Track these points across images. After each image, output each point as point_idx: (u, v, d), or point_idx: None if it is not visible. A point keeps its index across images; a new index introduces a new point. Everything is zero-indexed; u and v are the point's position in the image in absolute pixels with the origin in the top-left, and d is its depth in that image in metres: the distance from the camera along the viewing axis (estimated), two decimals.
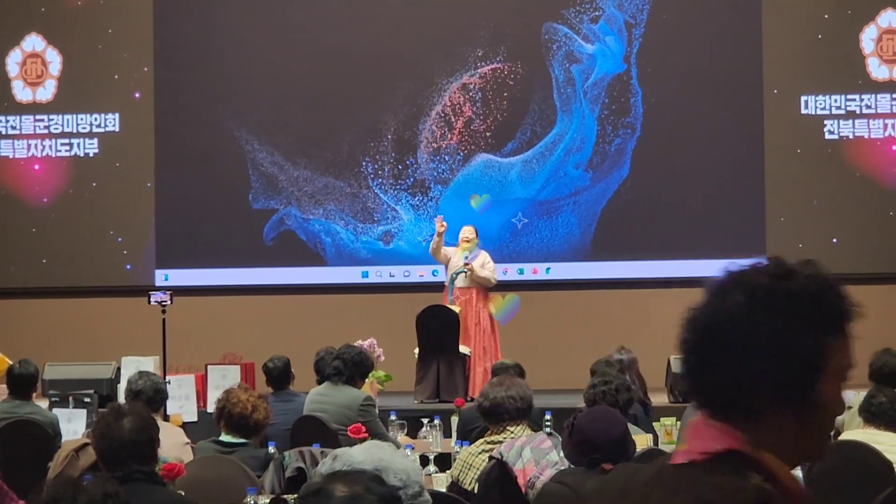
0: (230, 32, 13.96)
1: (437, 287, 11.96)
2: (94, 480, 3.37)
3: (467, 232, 11.74)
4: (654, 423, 8.17)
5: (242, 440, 5.95)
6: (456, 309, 11.37)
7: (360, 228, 13.82)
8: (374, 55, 13.74)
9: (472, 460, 5.48)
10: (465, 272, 11.51)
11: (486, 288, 11.69)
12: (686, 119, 13.56)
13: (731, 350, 1.61)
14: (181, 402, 9.95)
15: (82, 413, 8.54)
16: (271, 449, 5.96)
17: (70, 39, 14.10)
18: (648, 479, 1.66)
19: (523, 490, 4.94)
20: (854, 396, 6.47)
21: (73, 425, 8.21)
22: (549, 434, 5.20)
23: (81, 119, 14.07)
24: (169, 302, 10.37)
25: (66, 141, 14.09)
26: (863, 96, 13.50)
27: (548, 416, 5.79)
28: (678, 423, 8.71)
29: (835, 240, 13.28)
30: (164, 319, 10.55)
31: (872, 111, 13.51)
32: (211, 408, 7.95)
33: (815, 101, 13.50)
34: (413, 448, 6.52)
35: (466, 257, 11.56)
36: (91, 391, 9.24)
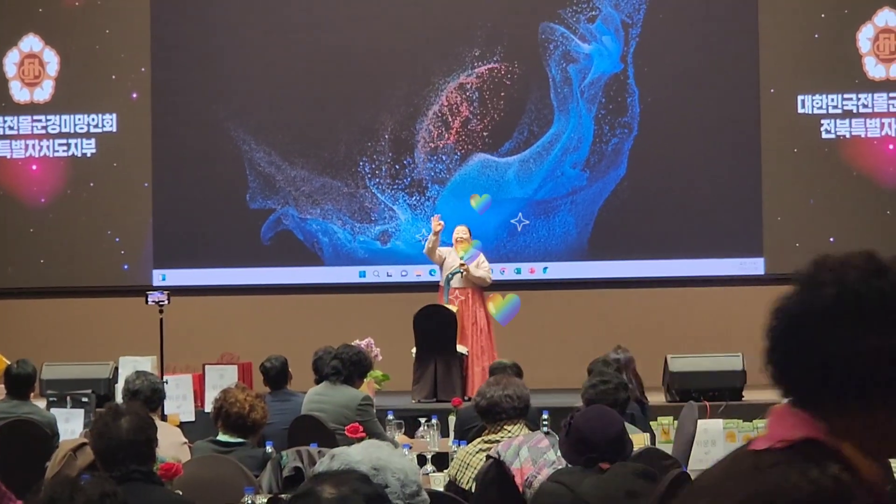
0: (227, 33, 13.96)
1: (435, 287, 11.96)
2: (92, 480, 3.38)
3: (461, 232, 11.74)
4: (651, 423, 8.19)
5: (240, 440, 5.95)
6: (453, 308, 11.38)
7: (357, 228, 13.82)
8: (372, 55, 13.75)
9: (469, 459, 5.48)
10: (461, 272, 11.52)
11: (482, 287, 11.70)
12: (683, 118, 13.57)
13: (820, 343, 1.63)
14: (178, 402, 9.96)
15: (80, 413, 8.55)
16: (269, 448, 5.96)
17: (67, 40, 14.10)
18: (726, 464, 1.67)
19: (521, 489, 4.95)
20: None
21: (70, 425, 8.22)
22: (547, 433, 5.20)
23: (79, 119, 14.07)
24: (166, 302, 10.36)
25: (64, 141, 14.09)
26: (859, 95, 13.51)
27: (545, 416, 5.79)
28: (675, 422, 8.72)
29: (832, 239, 13.29)
30: (161, 319, 10.54)
31: (869, 110, 13.52)
32: (208, 407, 7.95)
33: (812, 100, 13.51)
34: (410, 447, 6.53)
35: (462, 258, 11.56)
36: (89, 391, 9.24)
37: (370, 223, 13.80)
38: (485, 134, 13.75)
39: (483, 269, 11.61)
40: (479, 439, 5.62)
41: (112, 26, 14.04)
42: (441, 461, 6.68)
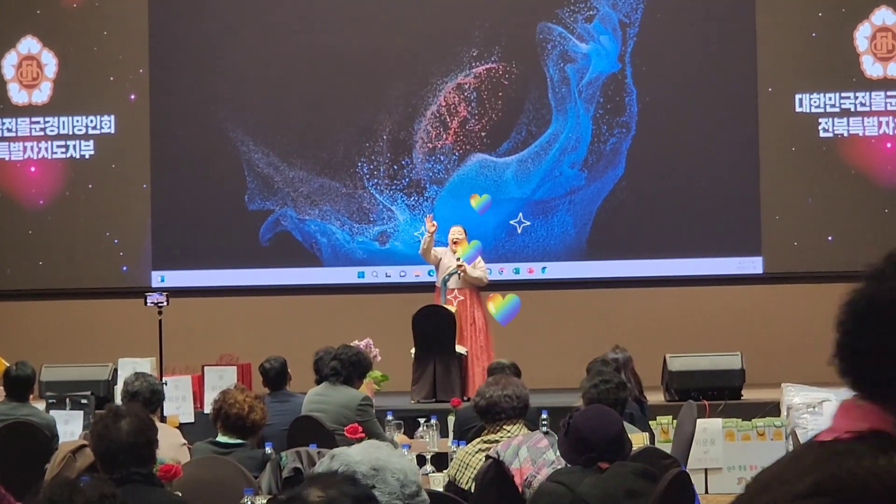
0: (225, 34, 13.97)
1: (433, 287, 11.96)
2: (91, 482, 3.38)
3: (456, 232, 11.73)
4: (650, 422, 8.18)
5: (239, 441, 5.94)
6: (452, 309, 11.38)
7: (355, 229, 13.83)
8: (369, 56, 13.76)
9: (468, 459, 5.48)
10: (458, 273, 11.51)
11: (479, 287, 11.70)
12: (681, 118, 13.58)
13: (889, 336, 1.64)
14: (178, 404, 9.97)
15: (79, 415, 8.55)
16: (268, 449, 5.96)
17: (65, 41, 14.10)
18: (791, 456, 1.68)
19: (520, 489, 4.95)
20: None
21: (70, 427, 8.22)
22: (546, 433, 5.21)
23: (77, 121, 14.07)
24: (165, 303, 10.36)
25: (62, 143, 14.09)
26: (857, 94, 13.52)
27: (544, 416, 5.79)
28: (674, 421, 8.72)
29: (830, 237, 13.30)
30: (160, 321, 10.54)
31: (867, 109, 13.52)
32: (207, 409, 7.95)
33: (810, 98, 13.51)
34: (410, 448, 6.53)
35: (462, 258, 11.56)
36: (88, 393, 9.24)
37: (369, 224, 13.80)
38: (483, 134, 13.75)
39: (480, 268, 11.62)
40: (478, 439, 5.61)
41: (110, 28, 14.04)
42: (440, 461, 6.68)
